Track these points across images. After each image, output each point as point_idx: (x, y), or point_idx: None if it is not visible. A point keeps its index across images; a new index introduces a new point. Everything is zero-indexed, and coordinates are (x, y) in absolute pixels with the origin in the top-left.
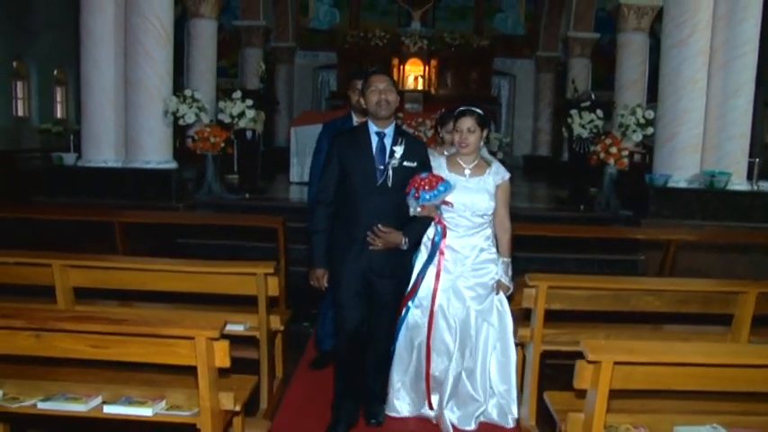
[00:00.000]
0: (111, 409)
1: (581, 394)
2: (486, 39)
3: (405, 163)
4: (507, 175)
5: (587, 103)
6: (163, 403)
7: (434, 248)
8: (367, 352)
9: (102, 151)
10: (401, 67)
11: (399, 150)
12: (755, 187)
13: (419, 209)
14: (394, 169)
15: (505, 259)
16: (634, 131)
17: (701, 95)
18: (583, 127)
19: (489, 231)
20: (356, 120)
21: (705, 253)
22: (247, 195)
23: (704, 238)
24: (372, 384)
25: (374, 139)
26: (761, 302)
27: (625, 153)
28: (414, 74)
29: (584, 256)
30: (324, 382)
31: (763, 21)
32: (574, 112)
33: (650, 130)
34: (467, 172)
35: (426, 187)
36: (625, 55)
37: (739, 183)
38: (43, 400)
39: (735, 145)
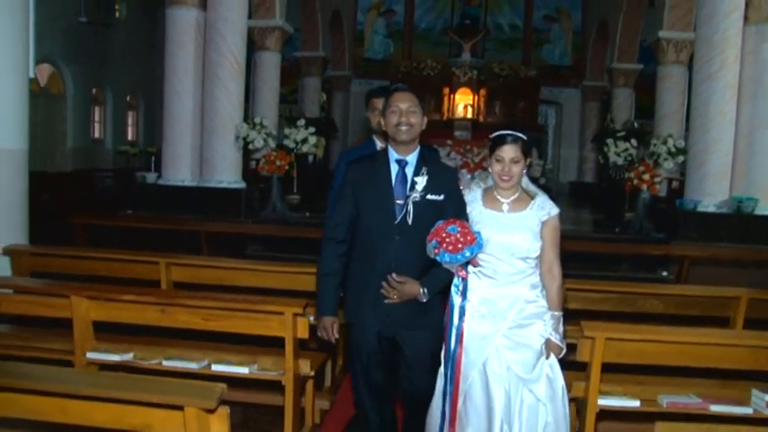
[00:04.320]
0: (217, 368)
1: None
2: (534, 69)
3: (429, 196)
4: (555, 211)
5: (622, 133)
6: (255, 366)
7: (455, 311)
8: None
9: (180, 171)
10: (451, 96)
11: (421, 182)
12: None
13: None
14: (415, 204)
15: (555, 313)
16: (665, 159)
17: (729, 126)
18: (618, 155)
19: (536, 279)
20: (379, 145)
21: (728, 270)
22: (308, 214)
23: (714, 254)
24: None
25: (394, 169)
26: (752, 306)
27: (657, 179)
28: (463, 102)
29: (614, 274)
30: None
31: None
32: (610, 141)
33: (681, 159)
34: (504, 207)
35: (450, 247)
36: (665, 86)
37: (767, 207)
38: (167, 360)
39: (763, 172)
